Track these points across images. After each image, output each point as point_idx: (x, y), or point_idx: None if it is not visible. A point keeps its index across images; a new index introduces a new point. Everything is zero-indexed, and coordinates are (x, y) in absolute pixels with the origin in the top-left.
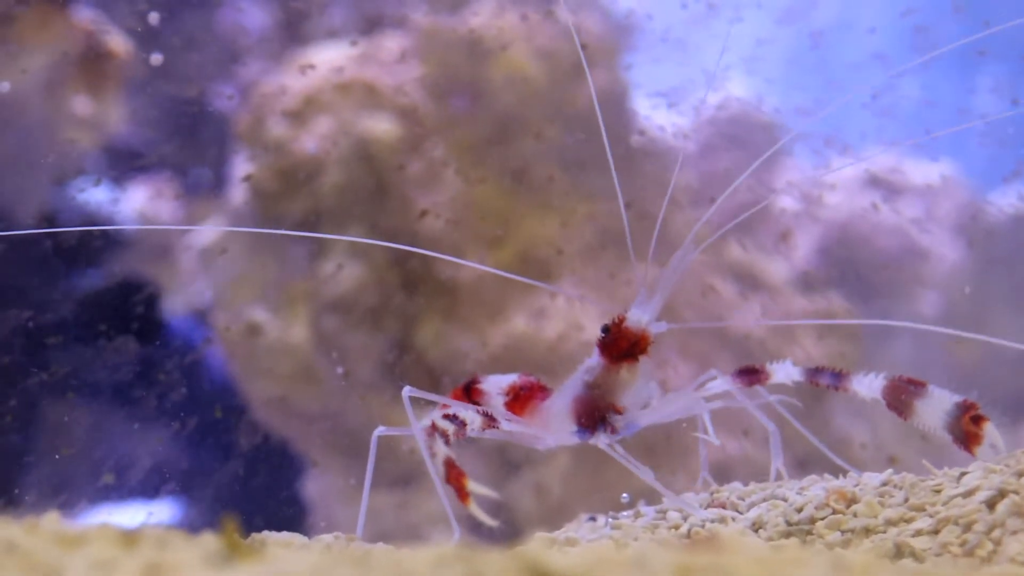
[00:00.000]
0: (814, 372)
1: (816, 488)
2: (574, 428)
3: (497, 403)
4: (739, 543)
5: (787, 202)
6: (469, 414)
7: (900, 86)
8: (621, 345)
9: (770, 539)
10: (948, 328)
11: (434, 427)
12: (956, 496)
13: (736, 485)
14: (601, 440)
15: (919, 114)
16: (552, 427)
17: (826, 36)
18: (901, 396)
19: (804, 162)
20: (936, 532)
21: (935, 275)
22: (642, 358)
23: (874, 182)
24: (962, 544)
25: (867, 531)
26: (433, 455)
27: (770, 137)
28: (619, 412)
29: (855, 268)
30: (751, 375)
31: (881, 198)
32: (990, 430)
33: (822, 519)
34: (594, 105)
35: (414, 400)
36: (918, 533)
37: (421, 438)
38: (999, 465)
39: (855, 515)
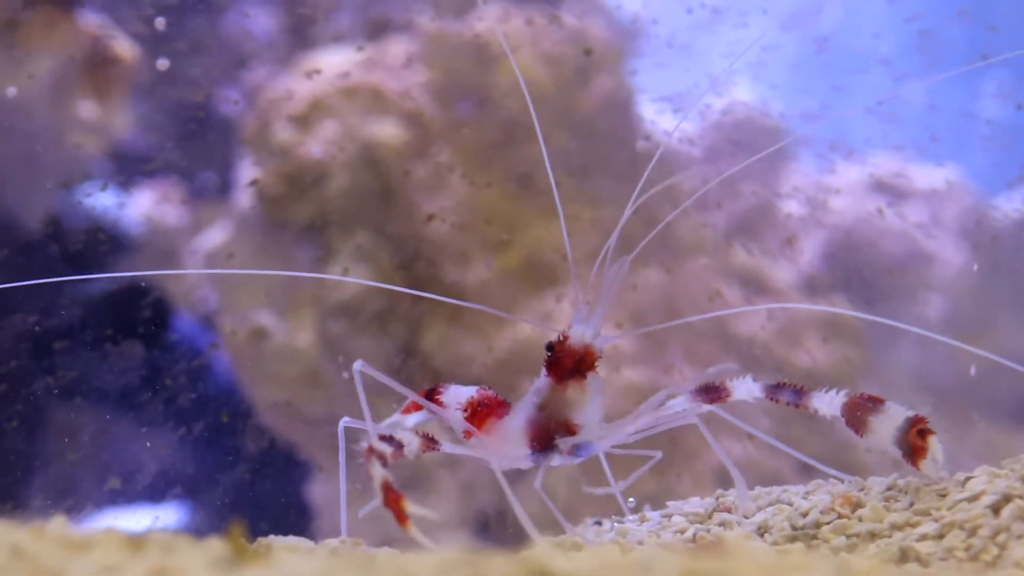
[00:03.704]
0: (775, 388)
1: (821, 493)
2: (527, 451)
3: (456, 417)
4: (744, 548)
5: (792, 207)
6: (407, 435)
7: (904, 91)
8: (566, 363)
9: (775, 543)
10: (954, 335)
11: (371, 450)
12: (961, 501)
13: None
14: (555, 463)
15: (923, 119)
16: (506, 449)
17: (831, 41)
18: (857, 413)
19: (808, 166)
20: (941, 536)
21: (940, 279)
22: (590, 375)
23: (879, 187)
24: (967, 549)
25: (872, 535)
26: (370, 478)
27: (775, 142)
28: (573, 432)
29: (860, 273)
30: (711, 393)
31: (886, 203)
32: (933, 444)
33: (827, 523)
34: (600, 110)
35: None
36: (923, 538)
37: (371, 426)
38: (1004, 470)
39: (860, 520)
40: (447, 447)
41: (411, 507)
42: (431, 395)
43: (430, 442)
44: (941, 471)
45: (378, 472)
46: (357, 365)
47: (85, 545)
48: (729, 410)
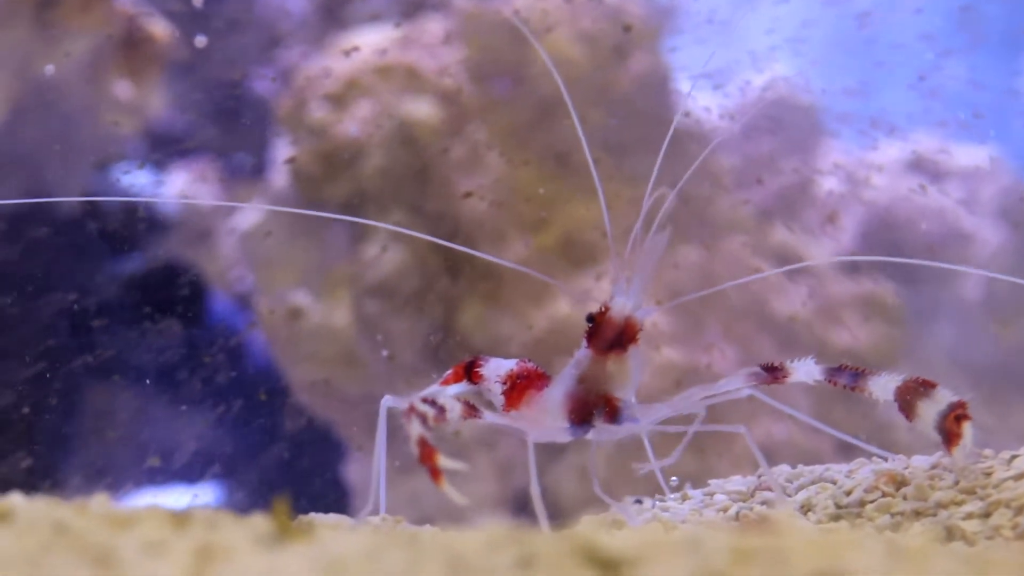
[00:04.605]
0: (835, 371)
1: (865, 471)
2: (566, 424)
3: (495, 390)
4: (792, 525)
5: (833, 184)
6: (449, 402)
7: (946, 67)
8: (607, 335)
9: (819, 522)
10: (993, 315)
11: (412, 409)
12: (1007, 479)
13: (784, 468)
14: (596, 436)
15: (966, 95)
16: (545, 422)
17: (872, 17)
18: (907, 397)
19: (850, 143)
20: (987, 515)
21: (979, 258)
22: (632, 347)
23: (921, 164)
24: (1014, 527)
25: (917, 514)
26: (407, 436)
27: (812, 119)
28: (613, 405)
29: (901, 251)
30: (769, 374)
31: (928, 180)
32: (967, 430)
33: (871, 502)
34: (638, 88)
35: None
36: (969, 516)
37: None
38: None
39: (905, 498)
40: (488, 416)
41: (444, 461)
42: (471, 368)
43: (471, 410)
44: (969, 458)
45: (415, 429)
46: (384, 401)
47: (129, 522)
48: (772, 389)
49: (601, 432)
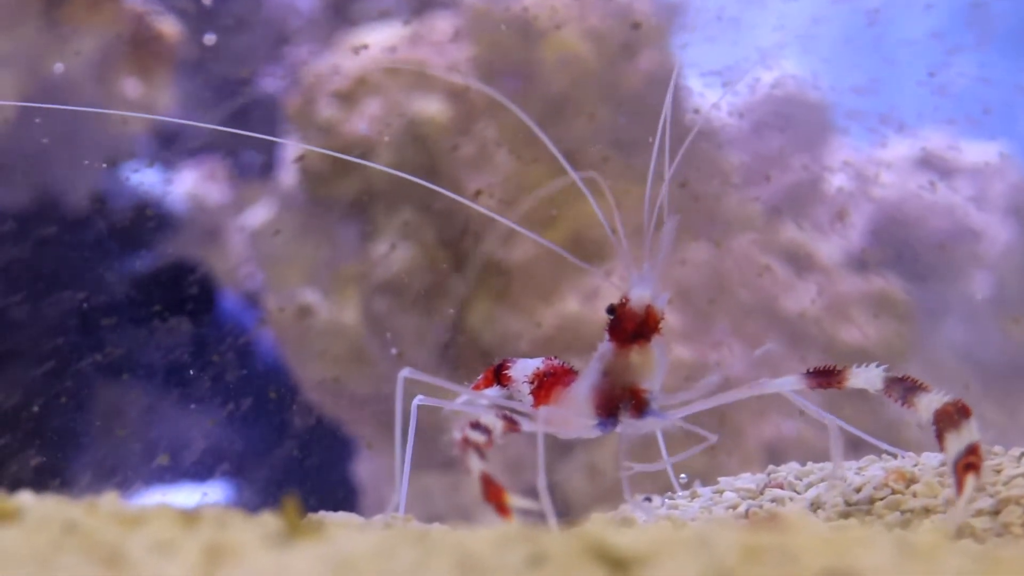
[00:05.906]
0: (895, 382)
1: (875, 468)
2: (595, 420)
3: (524, 391)
4: (802, 522)
5: (843, 181)
6: (491, 421)
7: (956, 63)
8: (628, 327)
9: (828, 519)
10: (1002, 312)
11: (466, 441)
12: (1017, 476)
13: (793, 465)
14: (624, 430)
15: (975, 92)
16: (573, 418)
17: (881, 14)
18: (940, 425)
19: (859, 140)
20: (997, 512)
21: (989, 255)
22: (654, 338)
23: (930, 161)
24: (1023, 524)
25: (927, 511)
26: (468, 471)
27: (822, 117)
28: (640, 397)
29: (911, 247)
30: (825, 377)
31: (937, 177)
32: (969, 484)
33: (881, 499)
34: (647, 85)
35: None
36: (979, 513)
37: (398, 421)
38: None
39: (915, 495)
40: (526, 427)
41: (514, 500)
42: (499, 370)
43: (511, 424)
44: (965, 512)
45: (476, 465)
46: (403, 372)
47: (138, 520)
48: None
49: (628, 426)
